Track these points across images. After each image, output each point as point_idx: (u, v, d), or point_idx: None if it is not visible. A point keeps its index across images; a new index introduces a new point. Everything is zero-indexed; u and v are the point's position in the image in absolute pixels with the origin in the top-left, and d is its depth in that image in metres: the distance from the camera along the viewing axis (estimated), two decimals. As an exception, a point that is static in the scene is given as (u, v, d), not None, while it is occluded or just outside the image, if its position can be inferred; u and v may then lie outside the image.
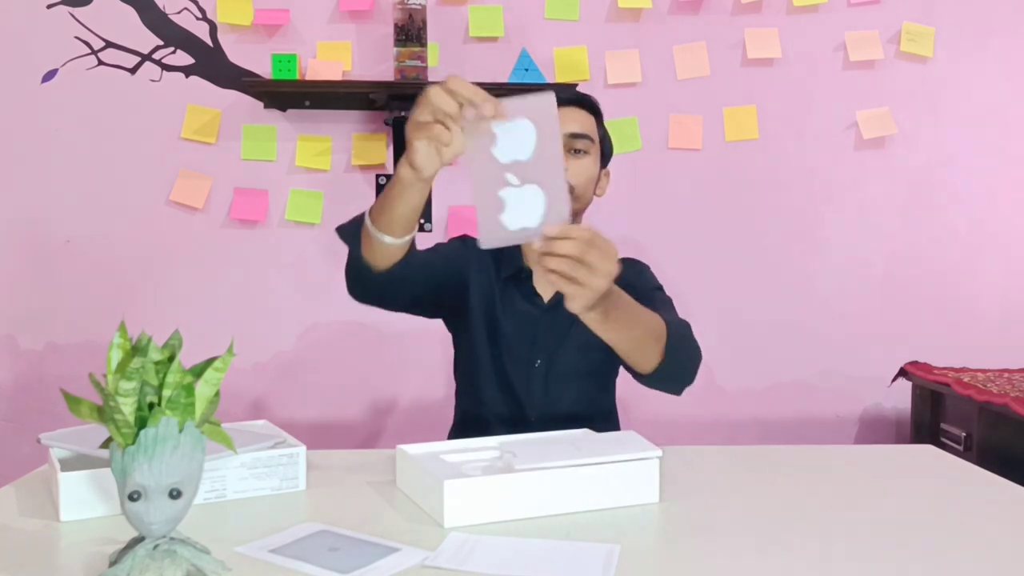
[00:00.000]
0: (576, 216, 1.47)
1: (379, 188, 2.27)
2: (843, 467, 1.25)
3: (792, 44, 2.33)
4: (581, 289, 0.97)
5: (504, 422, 1.44)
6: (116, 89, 2.22)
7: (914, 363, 2.26)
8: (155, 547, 0.74)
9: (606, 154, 1.52)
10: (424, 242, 2.34)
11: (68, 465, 1.03)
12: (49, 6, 2.20)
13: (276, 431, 1.22)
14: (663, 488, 1.05)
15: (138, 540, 0.76)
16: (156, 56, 2.22)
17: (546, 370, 1.46)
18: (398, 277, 1.22)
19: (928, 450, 1.36)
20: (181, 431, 0.73)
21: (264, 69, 2.22)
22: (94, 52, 2.21)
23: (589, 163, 1.45)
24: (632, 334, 1.18)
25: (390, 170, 2.25)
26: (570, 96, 1.48)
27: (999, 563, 0.87)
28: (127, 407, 0.72)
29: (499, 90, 2.19)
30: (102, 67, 2.22)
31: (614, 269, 1.00)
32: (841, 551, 0.89)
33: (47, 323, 2.24)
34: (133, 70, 2.23)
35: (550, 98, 0.97)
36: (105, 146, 2.23)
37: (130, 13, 2.21)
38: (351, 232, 1.25)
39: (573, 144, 1.43)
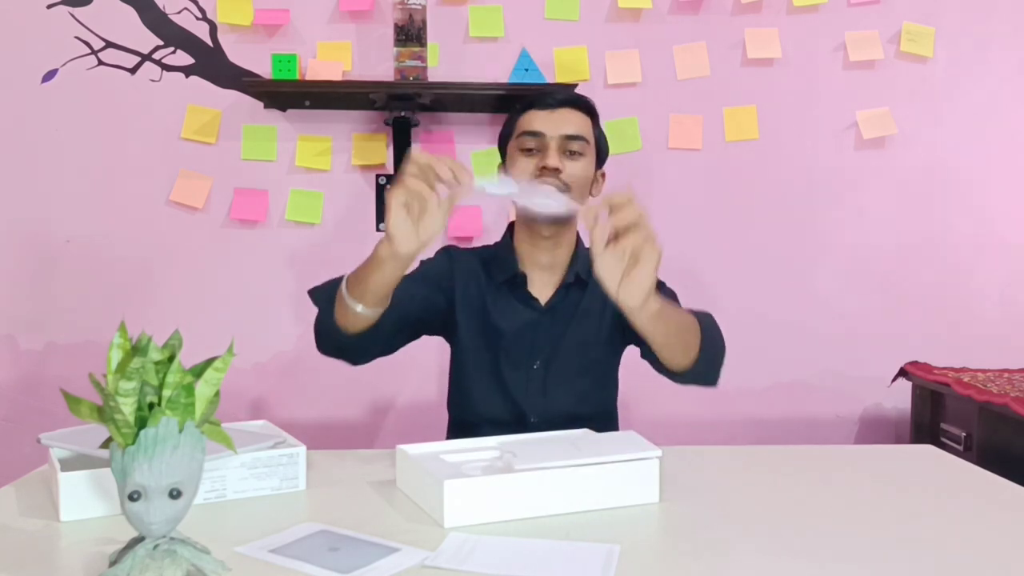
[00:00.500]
0: (569, 220, 1.47)
1: (379, 188, 2.27)
2: (843, 467, 1.25)
3: (792, 44, 2.33)
4: (652, 256, 1.00)
5: (504, 423, 1.44)
6: (116, 89, 2.22)
7: (914, 363, 2.26)
8: (155, 547, 0.74)
9: (602, 155, 1.52)
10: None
11: (68, 465, 1.03)
12: (49, 6, 2.20)
13: (276, 431, 1.22)
14: (663, 488, 1.05)
15: (138, 540, 0.76)
16: (156, 56, 2.22)
17: (544, 371, 1.47)
18: (368, 339, 1.27)
19: (928, 450, 1.36)
20: (181, 431, 0.73)
21: (264, 69, 2.22)
22: (94, 52, 2.21)
23: (584, 164, 1.45)
24: (675, 327, 1.18)
25: (390, 170, 2.25)
26: (564, 98, 1.47)
27: (999, 563, 0.87)
28: (127, 407, 0.72)
29: (499, 90, 2.21)
30: (102, 67, 2.22)
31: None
32: (841, 551, 0.89)
33: (47, 323, 2.24)
34: (133, 70, 2.22)
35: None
36: (105, 146, 2.23)
37: (130, 13, 2.21)
38: (325, 295, 1.29)
39: (568, 146, 1.43)
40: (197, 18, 2.23)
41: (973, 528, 0.97)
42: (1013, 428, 1.83)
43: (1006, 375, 2.12)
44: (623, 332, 1.51)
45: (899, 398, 2.35)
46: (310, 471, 1.13)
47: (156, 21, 2.22)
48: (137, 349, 0.73)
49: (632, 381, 1.57)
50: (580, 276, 1.49)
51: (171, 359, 0.74)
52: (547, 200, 1.14)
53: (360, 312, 1.20)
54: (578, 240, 1.53)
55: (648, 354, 1.47)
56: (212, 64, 2.23)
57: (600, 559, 0.84)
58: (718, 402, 2.34)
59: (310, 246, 2.28)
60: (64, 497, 0.97)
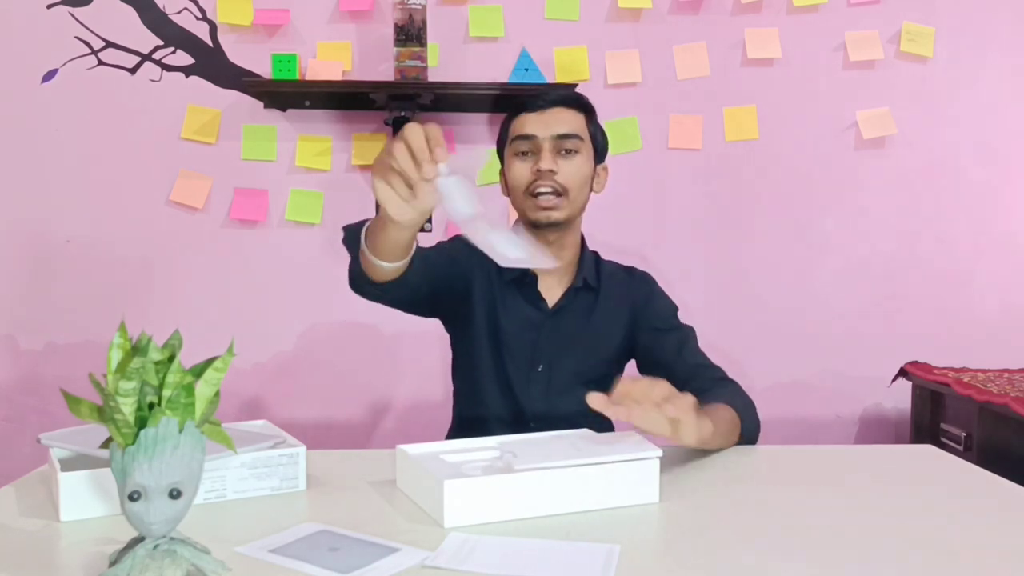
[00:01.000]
0: (573, 218, 1.46)
1: (379, 188, 2.27)
2: (843, 467, 1.25)
3: (792, 44, 2.33)
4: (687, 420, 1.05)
5: (504, 424, 1.44)
6: (116, 89, 2.22)
7: (914, 363, 2.26)
8: (155, 547, 0.74)
9: (600, 150, 1.50)
10: (424, 240, 2.35)
11: (68, 465, 1.03)
12: (49, 6, 2.20)
13: (276, 431, 1.22)
14: (663, 488, 1.05)
15: (138, 540, 0.76)
16: (156, 56, 2.22)
17: (548, 375, 1.46)
18: (398, 285, 1.22)
19: (928, 450, 1.36)
20: (181, 431, 0.73)
21: (264, 69, 2.22)
22: (94, 52, 2.21)
23: (580, 162, 1.43)
24: (721, 438, 1.25)
25: (390, 170, 2.25)
26: (555, 97, 1.46)
27: (999, 563, 0.87)
28: (127, 407, 0.72)
29: (499, 90, 2.21)
30: (102, 67, 2.22)
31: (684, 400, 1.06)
32: (841, 551, 0.89)
33: (47, 323, 2.24)
34: (133, 70, 2.23)
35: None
36: (105, 146, 2.23)
37: (130, 13, 2.21)
38: (353, 236, 1.25)
39: (561, 145, 1.42)
40: (197, 18, 2.23)
41: (973, 528, 0.97)
42: (1013, 428, 1.83)
43: (1006, 375, 2.12)
44: (630, 353, 1.52)
45: (899, 398, 2.35)
46: (310, 471, 1.13)
47: (156, 21, 2.22)
48: (137, 349, 0.73)
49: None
50: (588, 282, 1.49)
51: (171, 359, 0.74)
52: (507, 251, 1.01)
53: (383, 267, 1.17)
54: (583, 244, 1.53)
55: (646, 373, 1.49)
56: (212, 64, 2.23)
57: (600, 559, 0.84)
58: (718, 402, 2.34)
59: (310, 246, 2.28)
60: (64, 497, 0.97)
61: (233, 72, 2.23)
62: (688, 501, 1.05)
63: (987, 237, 2.40)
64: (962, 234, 2.40)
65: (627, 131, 2.31)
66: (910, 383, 2.26)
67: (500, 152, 1.52)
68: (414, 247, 1.18)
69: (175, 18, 2.22)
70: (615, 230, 2.29)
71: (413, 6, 2.12)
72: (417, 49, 2.13)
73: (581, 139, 1.44)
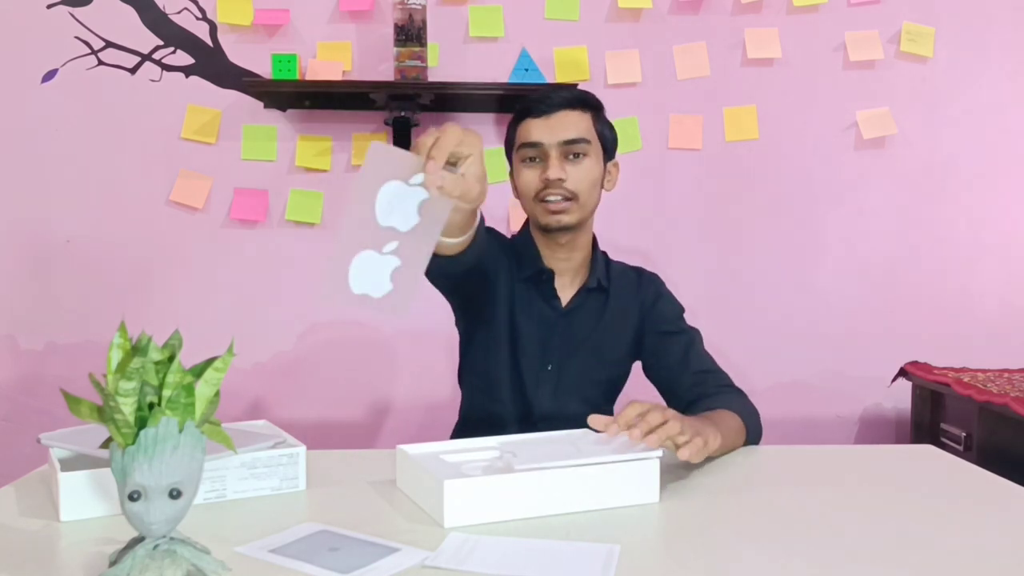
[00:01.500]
0: (584, 220, 1.45)
1: (379, 188, 2.27)
2: (843, 467, 1.25)
3: (792, 44, 2.33)
4: (693, 446, 1.07)
5: (512, 423, 1.44)
6: (116, 89, 2.22)
7: (914, 363, 2.26)
8: (155, 547, 0.74)
9: (609, 148, 1.48)
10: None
11: (68, 465, 1.03)
12: (49, 6, 2.20)
13: (276, 431, 1.22)
14: (663, 488, 1.05)
15: (138, 540, 0.76)
16: (156, 56, 2.22)
17: (557, 375, 1.46)
18: (453, 261, 1.17)
19: (928, 450, 1.36)
20: (181, 431, 0.73)
21: (264, 69, 2.22)
22: (94, 52, 2.21)
23: (589, 165, 1.43)
24: (729, 446, 1.26)
25: (390, 170, 2.25)
26: (560, 100, 1.42)
27: (999, 563, 0.87)
28: (127, 407, 0.72)
29: (499, 90, 2.21)
30: (102, 67, 2.22)
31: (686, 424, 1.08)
32: (841, 551, 0.89)
33: (47, 323, 2.24)
34: (133, 70, 2.23)
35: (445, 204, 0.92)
36: (105, 146, 2.23)
37: (130, 13, 2.21)
38: None
39: (569, 150, 1.41)
40: (197, 18, 2.23)
41: (973, 528, 0.97)
42: (1013, 428, 1.83)
43: (1006, 375, 2.12)
44: (638, 350, 1.52)
45: (899, 398, 2.35)
46: (310, 471, 1.13)
47: (156, 21, 2.22)
48: (137, 349, 0.73)
49: (633, 380, 1.57)
50: (600, 283, 1.49)
51: (171, 359, 0.74)
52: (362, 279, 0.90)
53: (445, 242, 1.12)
54: (594, 243, 1.53)
55: (652, 375, 1.50)
56: (212, 64, 2.23)
57: (600, 559, 0.84)
58: (718, 402, 2.34)
59: (310, 246, 2.28)
60: (64, 497, 0.97)
61: (233, 72, 2.23)
62: (688, 501, 1.05)
63: (987, 237, 2.40)
64: (962, 234, 2.40)
65: (627, 131, 2.31)
66: (910, 383, 2.26)
67: (508, 154, 1.51)
68: (476, 223, 1.13)
69: (175, 18, 2.22)
70: (615, 230, 2.29)
71: (413, 6, 2.12)
72: (417, 49, 2.13)
73: (589, 142, 1.42)
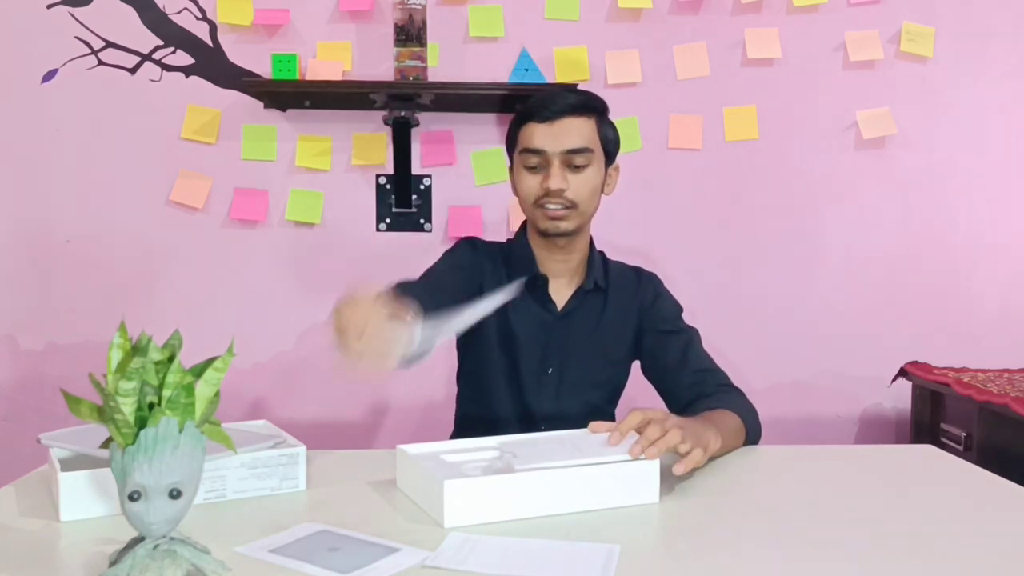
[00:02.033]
0: (583, 226, 1.45)
1: (379, 188, 2.27)
2: (843, 467, 1.25)
3: (792, 44, 2.33)
4: (692, 454, 1.08)
5: (512, 425, 1.44)
6: (116, 89, 2.22)
7: (914, 363, 2.26)
8: (155, 547, 0.74)
9: (611, 153, 1.47)
10: (424, 240, 2.35)
11: (68, 465, 1.03)
12: (49, 6, 2.20)
13: (276, 431, 1.22)
14: (663, 488, 1.05)
15: (138, 540, 0.76)
16: (156, 56, 2.22)
17: (558, 378, 1.46)
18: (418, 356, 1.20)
19: (928, 450, 1.36)
20: (181, 431, 0.73)
21: (264, 69, 2.22)
22: (94, 52, 2.21)
23: (590, 174, 1.41)
24: (729, 446, 1.26)
25: (390, 170, 2.25)
26: (564, 107, 1.39)
27: (999, 563, 0.87)
28: (127, 407, 0.72)
29: (499, 90, 2.21)
30: (102, 67, 2.22)
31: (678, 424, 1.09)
32: (841, 551, 0.89)
33: (47, 323, 2.24)
34: (133, 70, 2.22)
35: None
36: (105, 146, 2.23)
37: (130, 13, 2.21)
38: None
39: (572, 160, 1.39)
40: (197, 18, 2.23)
41: (973, 528, 0.97)
42: (1013, 428, 1.83)
43: (1006, 375, 2.12)
44: (638, 349, 1.52)
45: (899, 398, 2.35)
46: (310, 471, 1.13)
47: (156, 21, 2.22)
48: (137, 349, 0.73)
49: (633, 380, 1.57)
50: (598, 284, 1.49)
51: (171, 359, 0.74)
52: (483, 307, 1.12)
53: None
54: (591, 245, 1.52)
55: (650, 375, 1.50)
56: (212, 64, 2.23)
57: (600, 559, 0.84)
58: (718, 402, 2.34)
59: (310, 246, 2.28)
60: (64, 497, 0.97)
61: (233, 72, 2.23)
62: (688, 501, 1.05)
63: (987, 237, 2.40)
64: (962, 234, 2.40)
65: (627, 131, 2.30)
66: (910, 383, 2.26)
67: (509, 150, 1.50)
68: (417, 339, 1.15)
69: (175, 18, 2.22)
70: (615, 230, 2.29)
71: (413, 6, 2.11)
72: (417, 49, 2.13)
73: (591, 151, 1.40)
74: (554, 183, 1.38)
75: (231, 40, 2.23)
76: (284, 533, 0.93)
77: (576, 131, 1.39)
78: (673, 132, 2.32)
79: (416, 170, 2.25)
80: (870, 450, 1.39)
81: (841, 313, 2.38)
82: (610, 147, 1.46)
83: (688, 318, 1.54)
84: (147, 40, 2.22)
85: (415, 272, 1.50)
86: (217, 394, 0.77)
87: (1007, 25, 2.37)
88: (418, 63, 2.13)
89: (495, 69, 2.26)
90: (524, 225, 1.53)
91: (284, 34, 2.24)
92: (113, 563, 0.76)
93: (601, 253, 1.56)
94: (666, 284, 1.57)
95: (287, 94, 2.18)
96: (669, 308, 1.52)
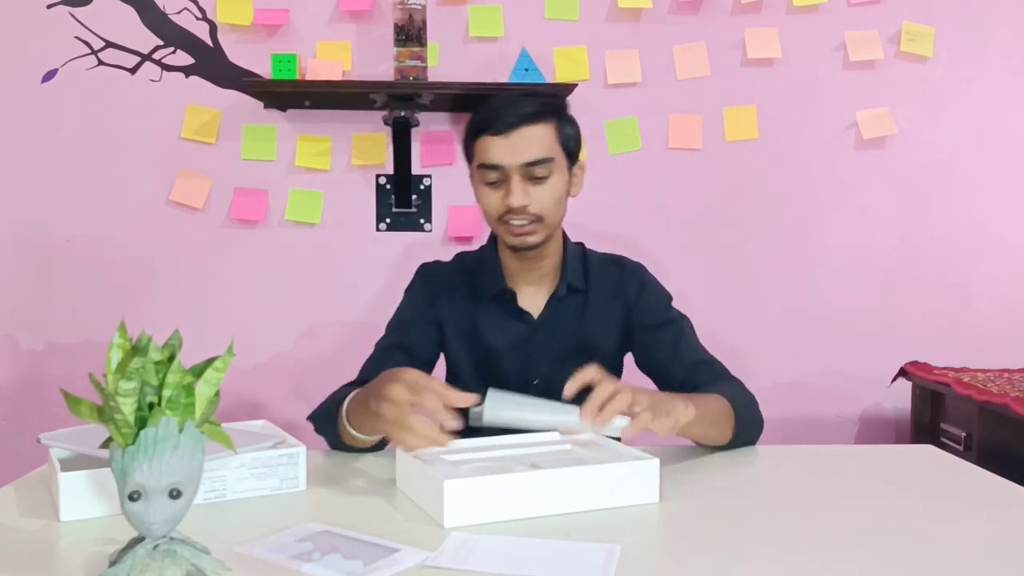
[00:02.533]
0: (552, 234, 1.39)
1: (379, 188, 2.27)
2: (843, 467, 1.25)
3: (792, 44, 2.33)
4: (656, 422, 1.07)
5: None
6: (116, 89, 2.22)
7: (914, 363, 2.26)
8: (155, 547, 0.74)
9: (573, 154, 1.39)
10: (424, 240, 2.34)
11: (68, 465, 1.03)
12: (49, 6, 2.20)
13: (276, 431, 1.22)
14: (663, 488, 1.05)
15: (138, 540, 0.76)
16: (156, 56, 2.22)
17: (545, 388, 1.39)
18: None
19: (928, 450, 1.36)
20: (181, 431, 0.73)
21: (264, 69, 2.22)
22: (94, 52, 2.21)
23: (553, 184, 1.34)
24: (711, 424, 1.24)
25: (390, 170, 2.25)
26: (518, 117, 1.31)
27: (999, 563, 0.87)
28: (127, 407, 0.72)
29: (499, 90, 2.21)
30: (102, 67, 2.22)
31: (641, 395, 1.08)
32: (841, 551, 0.89)
33: (47, 323, 2.24)
34: (133, 70, 2.22)
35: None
36: (105, 146, 2.23)
37: (130, 13, 2.21)
38: (325, 418, 1.28)
39: (532, 172, 1.31)
40: (197, 18, 2.23)
41: (973, 528, 0.97)
42: (1013, 428, 1.83)
43: (1006, 375, 2.12)
44: (628, 343, 1.48)
45: (899, 398, 2.35)
46: (310, 471, 1.13)
47: (156, 21, 2.22)
48: (137, 349, 0.73)
49: (632, 380, 1.57)
50: (573, 286, 1.43)
51: (171, 359, 0.74)
52: (553, 418, 1.11)
53: (364, 438, 1.22)
54: (566, 245, 1.46)
55: (644, 369, 1.47)
56: (212, 64, 2.23)
57: (600, 559, 0.84)
58: (718, 402, 2.34)
59: (310, 246, 2.28)
60: (64, 497, 0.97)
61: (233, 72, 2.23)
62: (688, 501, 1.05)
63: (987, 237, 2.40)
64: (962, 234, 2.40)
65: (627, 131, 2.31)
66: (910, 383, 2.26)
67: (468, 161, 1.41)
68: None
69: (175, 18, 2.22)
70: (615, 230, 2.30)
71: (413, 6, 2.12)
72: (417, 49, 2.13)
73: (552, 159, 1.33)
74: (515, 200, 1.31)
75: (231, 40, 2.24)
76: (284, 533, 0.93)
77: (535, 141, 1.32)
78: (673, 132, 2.32)
79: (416, 170, 2.26)
80: (870, 450, 1.39)
81: (841, 313, 2.38)
82: (571, 148, 1.38)
83: (687, 314, 1.52)
84: (147, 40, 2.22)
85: (413, 270, 1.51)
86: (217, 394, 0.77)
87: (1007, 25, 2.37)
88: (418, 63, 2.13)
89: (495, 69, 2.26)
90: (493, 236, 1.47)
91: (284, 34, 2.24)
92: (113, 563, 0.76)
93: (580, 245, 1.50)
94: (666, 284, 1.54)
95: (287, 94, 2.18)
96: (656, 299, 1.47)
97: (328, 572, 0.81)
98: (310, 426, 1.34)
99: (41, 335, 2.25)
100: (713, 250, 2.35)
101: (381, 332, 1.48)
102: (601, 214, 2.30)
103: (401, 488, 1.10)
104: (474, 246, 1.69)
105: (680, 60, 2.31)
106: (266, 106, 2.25)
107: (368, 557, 0.85)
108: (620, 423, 1.05)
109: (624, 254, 1.56)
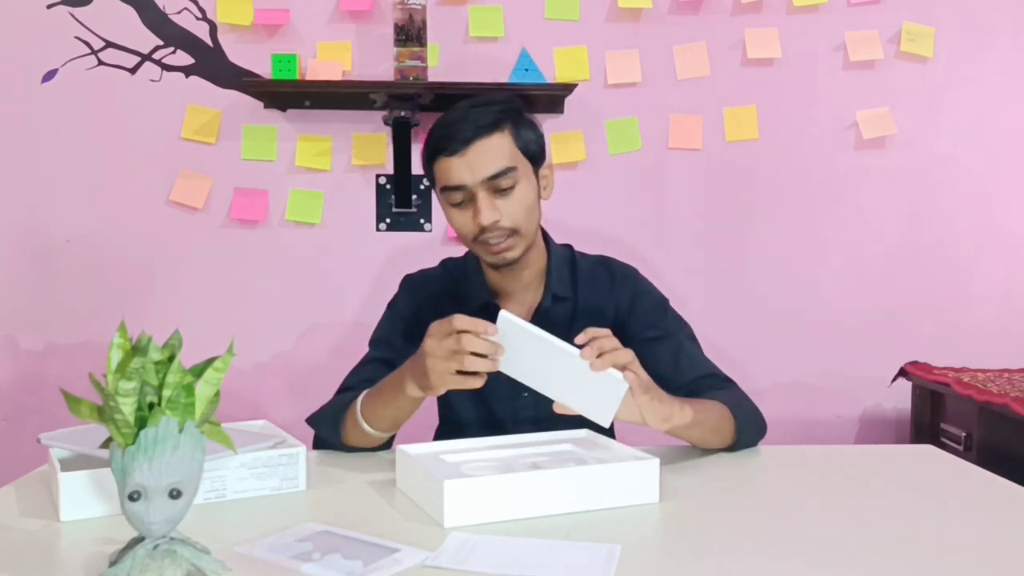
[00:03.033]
0: (530, 244, 1.34)
1: (379, 188, 2.27)
2: (843, 467, 1.25)
3: (792, 44, 2.33)
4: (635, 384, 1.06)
5: None
6: (116, 89, 2.22)
7: (914, 363, 2.26)
8: (155, 547, 0.74)
9: (536, 156, 1.33)
10: (424, 240, 2.34)
11: (68, 465, 1.03)
12: (49, 6, 2.20)
13: (276, 431, 1.22)
14: (663, 488, 1.05)
15: (138, 540, 0.76)
16: (156, 56, 2.22)
17: (535, 400, 1.30)
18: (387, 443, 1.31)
19: (928, 450, 1.36)
20: (181, 431, 0.73)
21: (264, 69, 2.22)
22: (94, 52, 2.21)
23: (521, 192, 1.29)
24: (709, 428, 1.23)
25: (390, 170, 2.25)
26: (471, 132, 1.26)
27: (999, 563, 0.87)
28: (127, 407, 0.72)
29: (499, 90, 2.21)
30: (102, 67, 2.22)
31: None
32: (841, 551, 0.89)
33: (47, 323, 2.24)
34: (133, 70, 2.23)
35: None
36: (105, 146, 2.23)
37: (130, 13, 2.21)
38: (328, 420, 1.31)
39: (496, 185, 1.26)
40: (197, 18, 2.23)
41: (973, 528, 0.97)
42: (1013, 428, 1.83)
43: (1006, 375, 2.12)
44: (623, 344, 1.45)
45: (899, 398, 2.35)
46: (310, 471, 1.13)
47: (156, 21, 2.22)
48: (137, 349, 0.73)
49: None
50: (559, 296, 1.39)
51: (171, 359, 0.74)
52: (559, 344, 1.07)
53: (376, 435, 1.25)
54: (549, 253, 1.41)
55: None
56: (212, 64, 2.23)
57: (600, 559, 0.84)
58: (718, 402, 2.34)
59: (310, 246, 2.28)
60: (64, 497, 0.97)
61: (233, 72, 2.23)
62: (688, 501, 1.05)
63: (987, 237, 2.40)
64: (962, 234, 2.40)
65: (627, 131, 2.31)
66: (910, 383, 2.26)
67: (429, 180, 1.36)
68: (400, 427, 1.27)
69: (175, 18, 2.22)
70: (615, 230, 2.30)
71: (413, 6, 2.12)
72: (417, 49, 2.13)
73: (515, 168, 1.27)
74: (485, 217, 1.26)
75: (231, 40, 2.23)
76: (284, 533, 0.93)
77: (492, 153, 1.26)
78: (673, 132, 2.32)
79: (416, 170, 2.25)
80: (870, 450, 1.39)
81: (841, 313, 2.38)
82: (534, 150, 1.32)
83: (688, 318, 1.46)
84: (147, 40, 2.22)
85: (413, 270, 1.50)
86: (217, 394, 0.77)
87: (1007, 25, 2.37)
88: (418, 63, 2.13)
89: (495, 69, 2.26)
90: None
91: (284, 34, 2.24)
92: (113, 563, 0.76)
93: (568, 248, 1.46)
94: (666, 284, 1.49)
95: (287, 94, 2.18)
96: (651, 308, 1.41)
97: (328, 572, 0.81)
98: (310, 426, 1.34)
99: (41, 335, 2.25)
100: (713, 250, 2.35)
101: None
102: (601, 214, 2.30)
103: (401, 488, 1.10)
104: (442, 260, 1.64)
105: (680, 60, 2.31)
106: (266, 106, 2.25)
107: (368, 557, 0.85)
108: (616, 375, 1.04)
109: (624, 254, 1.52)
